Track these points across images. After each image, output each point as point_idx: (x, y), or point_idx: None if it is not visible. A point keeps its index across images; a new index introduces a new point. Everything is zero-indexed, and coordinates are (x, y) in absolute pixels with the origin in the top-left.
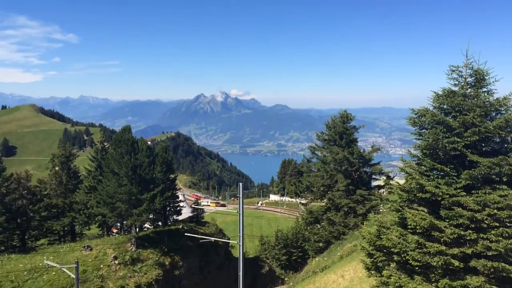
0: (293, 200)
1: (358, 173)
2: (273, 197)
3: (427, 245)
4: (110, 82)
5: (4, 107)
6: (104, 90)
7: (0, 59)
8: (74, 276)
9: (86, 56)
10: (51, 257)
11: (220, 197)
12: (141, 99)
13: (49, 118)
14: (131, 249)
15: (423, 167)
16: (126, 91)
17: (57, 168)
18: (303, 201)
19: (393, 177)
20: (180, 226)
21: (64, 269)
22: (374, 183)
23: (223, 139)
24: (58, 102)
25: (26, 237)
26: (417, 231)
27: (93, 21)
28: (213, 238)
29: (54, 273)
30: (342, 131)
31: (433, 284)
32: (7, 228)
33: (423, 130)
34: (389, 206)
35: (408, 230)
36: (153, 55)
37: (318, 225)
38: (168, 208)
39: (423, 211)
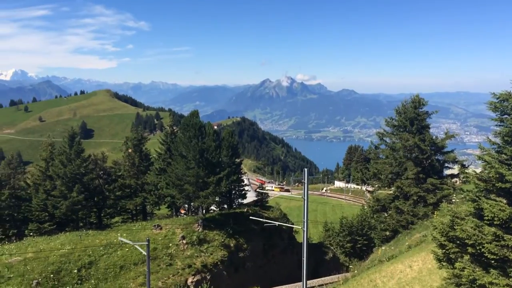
0: (359, 187)
1: (429, 160)
2: (338, 184)
3: (505, 238)
4: (180, 67)
5: (82, 92)
6: (173, 75)
7: (79, 46)
8: (145, 253)
9: (157, 42)
10: (124, 234)
11: (284, 182)
12: (209, 84)
13: (122, 103)
14: (198, 230)
15: (503, 155)
16: (194, 77)
17: (130, 151)
18: (370, 189)
19: (468, 165)
20: (245, 210)
21: (137, 246)
22: (447, 172)
23: (288, 124)
24: (131, 87)
25: (102, 214)
26: (495, 222)
27: (164, 8)
28: (277, 223)
29: (127, 249)
30: (413, 116)
31: (510, 279)
32: (86, 206)
33: (505, 116)
34: (463, 196)
35: (485, 222)
36: (221, 41)
37: (385, 214)
38: (233, 192)
39: (502, 202)
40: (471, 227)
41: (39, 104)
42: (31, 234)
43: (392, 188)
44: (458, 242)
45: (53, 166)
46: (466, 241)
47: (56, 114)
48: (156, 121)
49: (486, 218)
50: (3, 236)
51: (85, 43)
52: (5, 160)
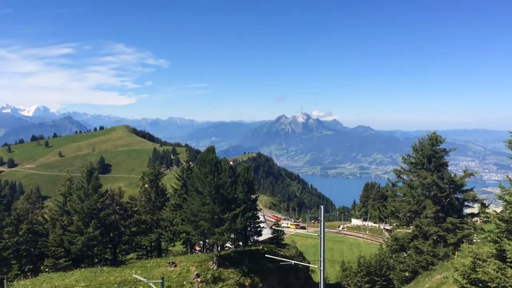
0: (376, 225)
1: (448, 199)
2: (355, 222)
3: None
4: (196, 103)
5: (101, 128)
6: (190, 111)
7: (100, 83)
8: None
9: (175, 79)
10: (139, 271)
11: (300, 219)
12: (225, 120)
13: (140, 138)
14: (213, 267)
15: None
16: (211, 112)
17: (146, 186)
18: (388, 227)
19: (489, 204)
20: (260, 247)
21: (151, 284)
22: (467, 211)
23: (304, 160)
24: (149, 123)
25: (117, 250)
26: None
27: (182, 47)
28: (293, 261)
29: (141, 287)
30: (430, 154)
31: None
32: (101, 242)
33: None
34: (485, 236)
35: (508, 264)
36: (236, 77)
37: (404, 253)
38: (248, 228)
39: None
40: (494, 269)
41: (59, 139)
42: (46, 270)
43: (411, 227)
44: (480, 285)
45: (71, 201)
46: (489, 284)
47: (76, 149)
48: (172, 157)
49: (509, 260)
50: (19, 272)
51: (106, 80)
52: (24, 195)
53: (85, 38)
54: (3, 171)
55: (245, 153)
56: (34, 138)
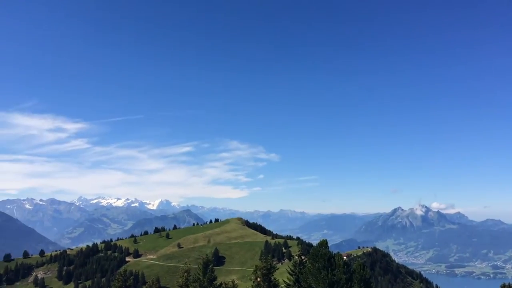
0: None
1: None
2: None
3: None
4: (307, 196)
5: (216, 220)
6: (301, 204)
7: (215, 178)
8: None
9: (285, 172)
10: None
11: None
12: (336, 212)
13: (252, 231)
14: None
15: None
16: (321, 205)
17: (259, 280)
18: None
19: None
20: None
21: None
22: None
23: (426, 257)
24: (261, 215)
25: None
26: None
27: (292, 142)
28: None
29: None
30: None
31: None
32: None
33: None
34: None
35: None
36: (347, 169)
37: None
38: None
39: None
40: None
41: (178, 231)
42: None
43: None
44: None
45: None
46: None
47: (193, 241)
48: (284, 250)
49: None
50: None
51: (221, 175)
52: (146, 285)
53: (204, 137)
54: (129, 261)
55: (359, 247)
56: (156, 230)
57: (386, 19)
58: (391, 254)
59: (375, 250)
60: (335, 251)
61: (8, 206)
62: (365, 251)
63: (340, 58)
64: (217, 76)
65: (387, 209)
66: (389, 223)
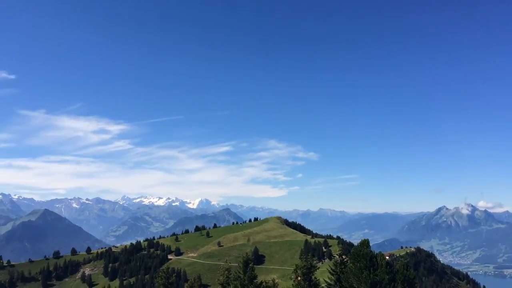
0: None
1: None
2: None
3: None
4: (347, 195)
5: (255, 219)
6: (341, 203)
7: (254, 177)
8: None
9: (324, 171)
10: None
11: None
12: (378, 211)
13: (292, 230)
14: None
15: None
16: (362, 204)
17: (299, 279)
18: None
19: None
20: None
21: None
22: None
23: (472, 257)
24: (300, 215)
25: None
26: None
27: (331, 141)
28: None
29: None
30: None
31: None
32: None
33: None
34: None
35: None
36: (389, 167)
37: None
38: None
39: None
40: None
41: (218, 230)
42: None
43: None
44: None
45: None
46: None
47: (232, 240)
48: (324, 249)
49: None
50: None
51: (260, 174)
52: (188, 282)
53: (242, 136)
54: (171, 259)
55: (402, 247)
56: (197, 229)
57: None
58: (436, 254)
59: (419, 250)
60: (377, 251)
61: (57, 205)
62: (408, 251)
63: (382, 56)
64: (255, 76)
65: (430, 208)
66: (433, 223)
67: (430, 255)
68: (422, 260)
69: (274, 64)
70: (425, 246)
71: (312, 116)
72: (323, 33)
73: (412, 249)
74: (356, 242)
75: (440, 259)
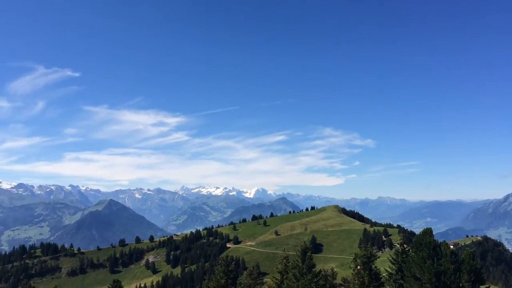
0: None
1: None
2: None
3: None
4: (407, 182)
5: (312, 208)
6: (401, 190)
7: (310, 166)
8: None
9: (382, 158)
10: None
11: None
12: (440, 199)
13: (349, 218)
14: None
15: None
16: (424, 191)
17: (359, 268)
18: None
19: None
20: None
21: None
22: None
23: None
24: (358, 203)
25: None
26: None
27: (389, 127)
28: None
29: None
30: None
31: None
32: None
33: None
34: None
35: None
36: (452, 154)
37: None
38: None
39: None
40: None
41: (275, 219)
42: None
43: None
44: None
45: (287, 279)
46: None
47: (289, 229)
48: (384, 238)
49: None
50: None
51: (316, 162)
52: (247, 270)
53: (297, 125)
54: (229, 247)
55: (467, 236)
56: (254, 218)
57: None
58: (504, 243)
59: (486, 239)
60: (440, 240)
61: (121, 196)
62: (474, 240)
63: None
64: (308, 64)
65: (497, 195)
66: (501, 210)
67: (498, 244)
68: (490, 250)
69: (327, 51)
70: (492, 235)
71: (369, 103)
72: (379, 14)
73: (479, 238)
74: (417, 231)
75: (510, 249)
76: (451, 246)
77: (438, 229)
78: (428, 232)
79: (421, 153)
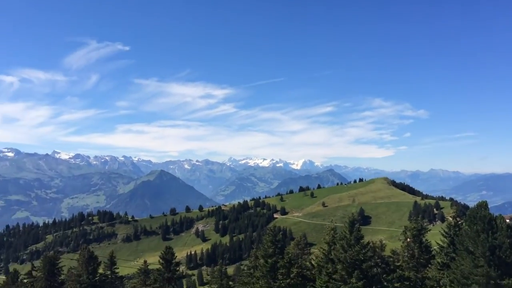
0: None
1: None
2: None
3: None
4: (462, 154)
5: (361, 180)
6: (454, 162)
7: (358, 137)
8: None
9: (435, 129)
10: None
11: None
12: (497, 171)
13: (399, 191)
14: None
15: None
16: (479, 163)
17: (409, 241)
18: None
19: None
20: None
21: None
22: None
23: None
24: (409, 175)
25: None
26: None
27: (443, 96)
28: None
29: None
30: None
31: None
32: None
33: None
34: None
35: None
36: (510, 124)
37: None
38: None
39: None
40: None
41: (322, 190)
42: None
43: None
44: None
45: (335, 250)
46: None
47: (337, 200)
48: (435, 211)
49: None
50: None
51: (364, 134)
52: (294, 240)
53: (345, 96)
54: (276, 218)
55: None
56: (301, 189)
57: None
58: None
59: None
60: (496, 214)
61: (171, 166)
62: None
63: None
64: (356, 33)
65: None
66: None
67: None
68: None
69: (377, 18)
70: None
71: (422, 71)
72: None
73: None
74: (471, 204)
75: None
76: (507, 220)
77: (494, 202)
78: (483, 205)
79: (477, 124)
